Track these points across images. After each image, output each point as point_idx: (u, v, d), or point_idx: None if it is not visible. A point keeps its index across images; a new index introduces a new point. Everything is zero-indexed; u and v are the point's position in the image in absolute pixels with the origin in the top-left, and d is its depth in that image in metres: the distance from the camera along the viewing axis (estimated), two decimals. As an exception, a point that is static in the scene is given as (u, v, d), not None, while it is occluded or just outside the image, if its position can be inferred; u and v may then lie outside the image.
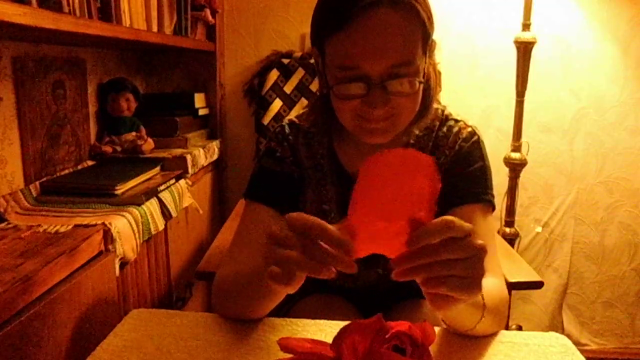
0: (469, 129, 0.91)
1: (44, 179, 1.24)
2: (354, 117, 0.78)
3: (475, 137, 0.90)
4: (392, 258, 0.54)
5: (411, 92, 0.76)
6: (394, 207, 0.52)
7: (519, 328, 1.99)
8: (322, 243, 0.53)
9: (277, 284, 0.54)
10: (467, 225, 0.54)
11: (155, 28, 1.45)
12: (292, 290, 0.57)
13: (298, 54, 1.97)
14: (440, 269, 0.53)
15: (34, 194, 1.18)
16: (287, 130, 0.94)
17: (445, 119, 0.92)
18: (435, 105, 0.91)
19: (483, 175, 0.89)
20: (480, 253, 0.54)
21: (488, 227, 0.87)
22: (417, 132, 0.89)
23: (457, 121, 0.92)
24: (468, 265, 0.53)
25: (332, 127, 0.91)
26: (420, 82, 0.76)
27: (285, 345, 0.60)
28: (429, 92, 0.85)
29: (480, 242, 0.54)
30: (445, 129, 0.91)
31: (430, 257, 0.52)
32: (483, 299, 0.67)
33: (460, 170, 0.88)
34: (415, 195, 0.52)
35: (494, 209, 0.89)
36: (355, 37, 0.72)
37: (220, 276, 0.83)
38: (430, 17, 0.77)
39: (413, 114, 0.81)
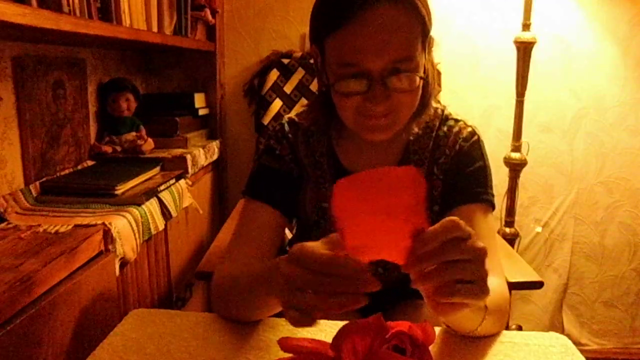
0: (469, 129, 0.91)
1: (44, 179, 1.24)
2: (355, 114, 0.79)
3: (475, 137, 0.90)
4: (403, 265, 0.53)
5: (412, 88, 0.76)
6: (382, 227, 0.51)
7: (519, 328, 1.99)
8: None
9: (299, 326, 0.53)
10: (469, 227, 0.54)
11: (155, 28, 1.45)
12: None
13: (298, 54, 1.97)
14: (452, 272, 0.52)
15: (34, 194, 1.18)
16: (286, 128, 0.94)
17: (445, 118, 0.92)
18: (435, 105, 0.91)
19: (483, 174, 0.89)
20: (482, 255, 0.54)
21: (488, 227, 0.87)
22: (416, 129, 0.89)
23: (457, 121, 0.92)
24: (474, 268, 0.53)
25: (332, 125, 0.91)
26: (420, 78, 0.76)
27: (285, 345, 0.60)
28: (428, 89, 0.86)
29: (481, 244, 0.54)
30: (445, 128, 0.91)
31: (440, 257, 0.52)
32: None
33: (460, 169, 0.89)
34: (400, 212, 0.51)
35: (493, 208, 0.89)
36: (355, 34, 0.72)
37: (219, 276, 0.83)
38: (429, 14, 0.78)
39: (413, 110, 0.81)
